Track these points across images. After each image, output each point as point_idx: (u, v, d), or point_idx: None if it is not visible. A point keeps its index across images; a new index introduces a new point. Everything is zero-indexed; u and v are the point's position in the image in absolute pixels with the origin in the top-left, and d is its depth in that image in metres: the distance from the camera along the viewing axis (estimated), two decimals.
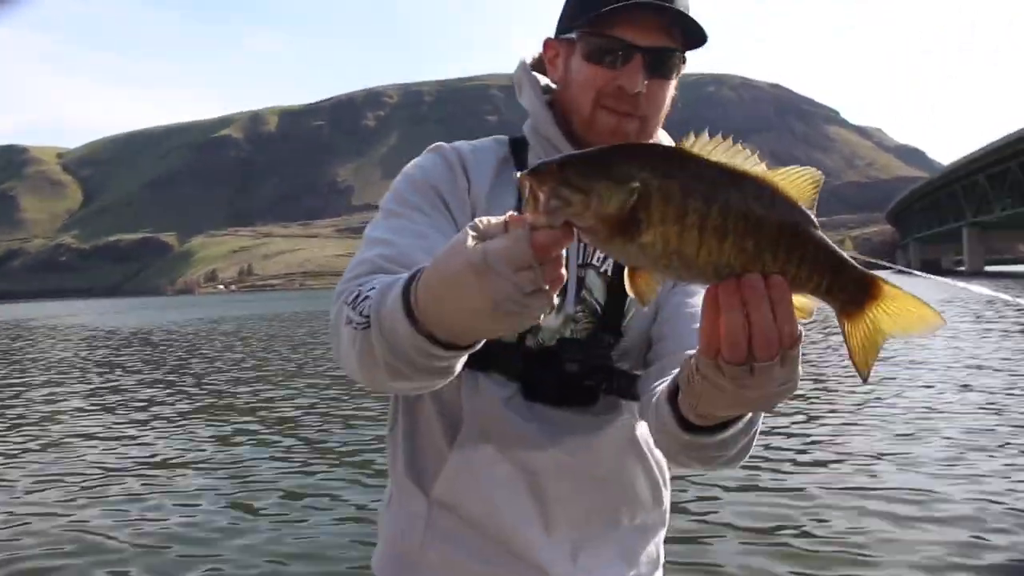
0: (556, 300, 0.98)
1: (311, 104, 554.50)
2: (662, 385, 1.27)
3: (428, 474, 1.51)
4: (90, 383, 15.50)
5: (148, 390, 14.02)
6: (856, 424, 8.57)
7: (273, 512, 6.18)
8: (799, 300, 0.93)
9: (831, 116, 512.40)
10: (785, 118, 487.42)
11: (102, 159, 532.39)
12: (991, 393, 10.13)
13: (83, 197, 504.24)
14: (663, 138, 1.57)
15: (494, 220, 0.95)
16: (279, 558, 5.23)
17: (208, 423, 10.28)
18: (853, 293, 0.93)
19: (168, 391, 13.72)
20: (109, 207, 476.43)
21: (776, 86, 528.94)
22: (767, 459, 6.97)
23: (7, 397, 13.85)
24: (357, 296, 1.22)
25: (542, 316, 1.07)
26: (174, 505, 6.46)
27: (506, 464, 1.46)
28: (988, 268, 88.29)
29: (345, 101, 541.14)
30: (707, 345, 0.95)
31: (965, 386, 10.69)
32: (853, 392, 10.18)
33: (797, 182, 0.91)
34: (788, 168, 0.92)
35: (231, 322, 39.83)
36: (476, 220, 0.97)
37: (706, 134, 0.90)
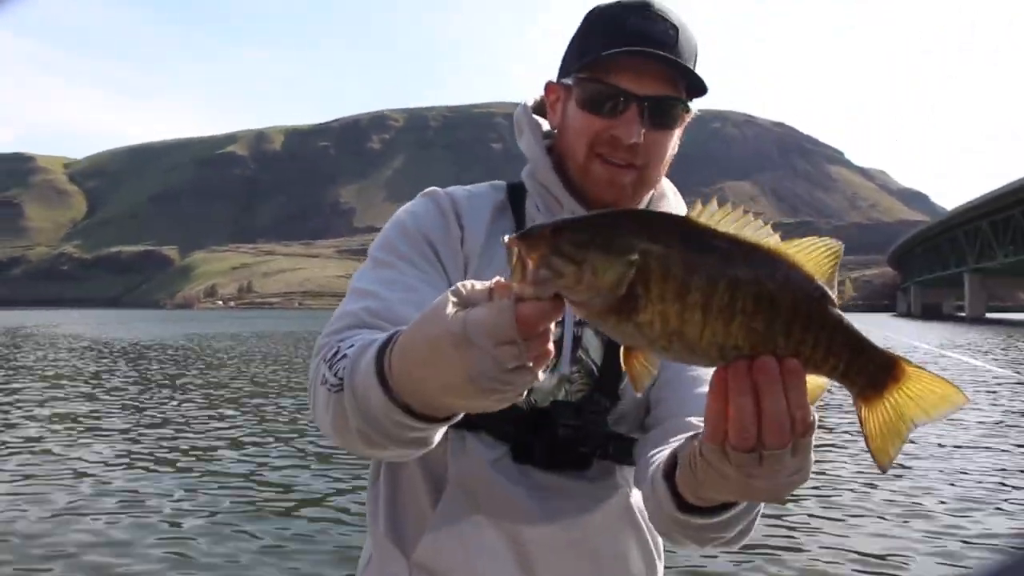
0: (542, 376, 0.89)
1: (317, 125, 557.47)
2: (660, 455, 1.20)
3: (409, 535, 1.43)
4: (78, 392, 15.32)
5: (128, 404, 13.83)
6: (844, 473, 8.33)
7: (232, 563, 5.69)
8: (810, 381, 0.87)
9: (835, 156, 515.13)
10: (788, 156, 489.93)
11: (108, 170, 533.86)
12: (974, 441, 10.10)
13: (87, 207, 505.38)
14: (668, 189, 1.54)
15: (479, 286, 0.88)
16: None
17: (184, 451, 9.87)
18: (873, 376, 0.86)
19: (148, 407, 13.49)
20: (113, 218, 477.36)
21: (780, 124, 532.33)
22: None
23: None
24: (335, 354, 1.15)
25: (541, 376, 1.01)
26: (131, 534, 6.25)
27: (492, 529, 1.39)
28: (989, 315, 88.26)
29: (351, 123, 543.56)
30: (713, 431, 0.89)
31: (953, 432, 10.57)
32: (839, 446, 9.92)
33: (814, 255, 0.84)
34: (804, 240, 0.85)
35: (226, 339, 39.68)
36: (459, 284, 0.90)
37: (714, 202, 0.83)
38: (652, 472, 1.20)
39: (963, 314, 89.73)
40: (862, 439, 0.88)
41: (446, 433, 1.28)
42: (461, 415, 1.04)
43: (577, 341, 1.40)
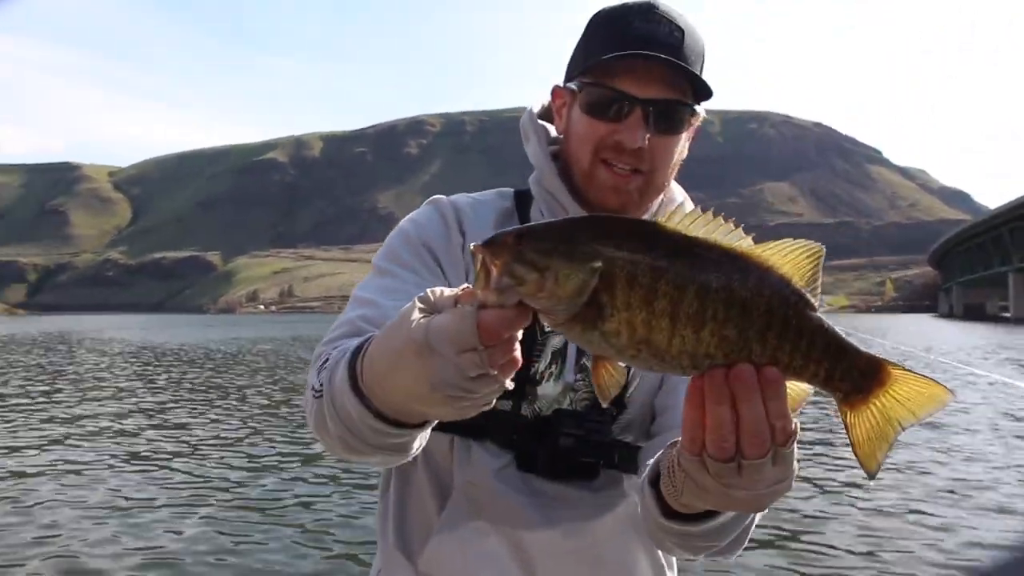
0: (509, 384, 0.87)
1: (355, 131, 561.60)
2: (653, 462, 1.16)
3: (415, 543, 1.43)
4: (124, 397, 15.87)
5: (169, 407, 14.23)
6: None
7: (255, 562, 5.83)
8: (791, 388, 0.84)
9: (874, 156, 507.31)
10: (826, 156, 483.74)
11: (152, 178, 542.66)
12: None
13: (132, 214, 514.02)
14: (678, 193, 1.50)
15: (447, 292, 0.87)
16: None
17: (223, 451, 10.26)
18: (857, 381, 0.83)
19: (188, 410, 13.85)
20: (156, 225, 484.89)
21: (819, 124, 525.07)
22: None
23: (34, 403, 14.26)
24: (325, 362, 1.15)
25: (545, 384, 1.12)
26: (156, 531, 6.44)
27: (495, 537, 1.38)
28: None
29: (388, 129, 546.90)
30: (690, 440, 0.86)
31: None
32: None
33: (791, 258, 0.81)
34: (781, 242, 0.82)
35: (266, 342, 40.18)
36: (428, 291, 0.89)
37: (684, 206, 0.83)
38: (641, 478, 1.19)
39: (1007, 315, 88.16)
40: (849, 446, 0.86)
41: (452, 441, 1.36)
42: (435, 421, 1.03)
43: (582, 349, 1.36)
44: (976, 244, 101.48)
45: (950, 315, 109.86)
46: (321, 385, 1.11)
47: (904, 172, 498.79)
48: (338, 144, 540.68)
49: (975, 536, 6.20)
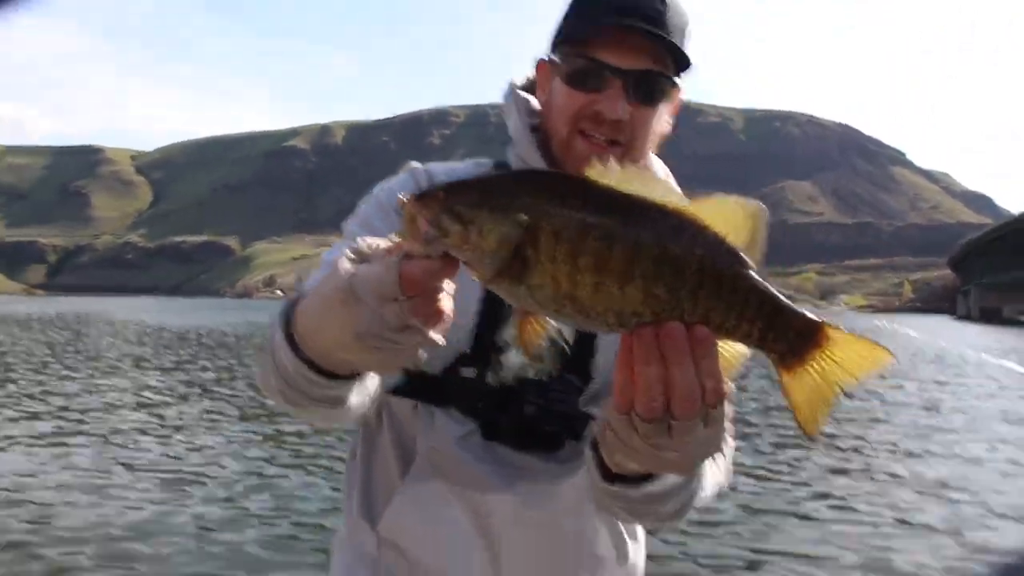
0: (439, 339, 0.86)
1: (379, 120, 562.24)
2: None
3: (377, 507, 1.43)
4: (136, 378, 16.56)
5: (172, 388, 14.49)
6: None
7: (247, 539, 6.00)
8: (726, 350, 0.82)
9: (897, 157, 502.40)
10: (849, 156, 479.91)
11: (174, 163, 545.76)
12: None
13: (152, 198, 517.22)
14: (658, 167, 1.49)
15: (380, 244, 0.86)
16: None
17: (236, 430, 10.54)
18: (793, 342, 0.81)
19: (200, 392, 14.06)
20: (177, 209, 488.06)
21: (843, 125, 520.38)
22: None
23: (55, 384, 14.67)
24: None
25: (510, 353, 1.15)
26: (172, 509, 6.58)
27: (457, 504, 1.37)
28: None
29: (412, 119, 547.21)
30: (620, 400, 0.85)
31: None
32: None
33: (727, 214, 0.79)
34: (717, 197, 0.80)
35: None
36: (359, 240, 0.89)
37: (613, 160, 0.77)
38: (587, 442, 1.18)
39: None
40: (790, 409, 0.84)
41: (416, 407, 1.38)
42: (369, 374, 1.07)
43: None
44: (997, 248, 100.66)
45: (967, 318, 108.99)
46: (266, 340, 1.11)
47: (927, 175, 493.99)
48: (361, 132, 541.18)
49: (979, 538, 6.26)
